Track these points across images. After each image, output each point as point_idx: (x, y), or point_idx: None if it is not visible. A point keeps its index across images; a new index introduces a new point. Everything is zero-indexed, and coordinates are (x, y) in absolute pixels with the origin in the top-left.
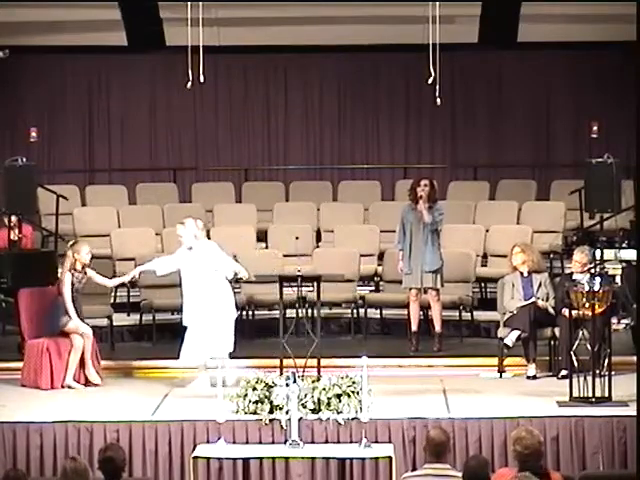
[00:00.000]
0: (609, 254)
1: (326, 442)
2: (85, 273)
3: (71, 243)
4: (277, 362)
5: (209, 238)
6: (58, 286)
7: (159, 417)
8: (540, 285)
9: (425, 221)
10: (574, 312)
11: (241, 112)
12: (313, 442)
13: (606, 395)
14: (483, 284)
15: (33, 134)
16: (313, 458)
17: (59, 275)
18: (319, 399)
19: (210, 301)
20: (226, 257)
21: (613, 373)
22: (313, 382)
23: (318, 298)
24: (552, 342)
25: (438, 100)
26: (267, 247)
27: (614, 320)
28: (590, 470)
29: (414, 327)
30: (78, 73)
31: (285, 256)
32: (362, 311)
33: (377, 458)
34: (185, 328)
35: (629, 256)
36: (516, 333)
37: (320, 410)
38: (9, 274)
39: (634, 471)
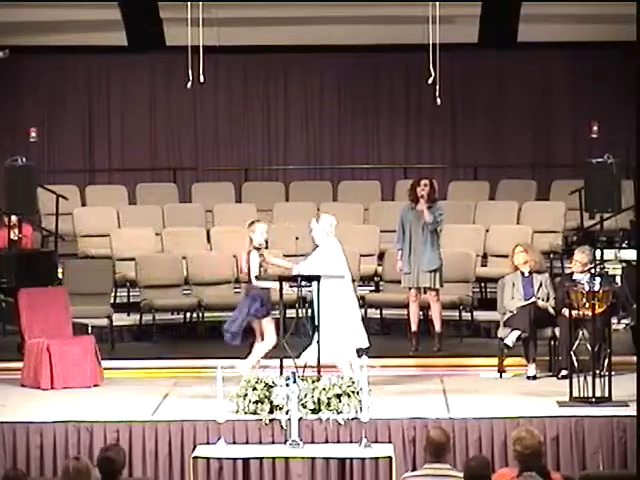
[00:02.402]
0: (609, 254)
1: (326, 442)
2: (262, 255)
3: (249, 222)
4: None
5: (209, 239)
6: (248, 269)
7: (159, 417)
8: (541, 285)
9: (426, 220)
10: (574, 312)
11: (241, 112)
12: (313, 442)
13: (606, 395)
14: (483, 284)
15: (33, 134)
16: (313, 458)
17: (248, 253)
18: (319, 399)
19: (339, 298)
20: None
21: (613, 373)
22: (313, 382)
23: (318, 298)
24: (552, 342)
25: (438, 100)
26: (267, 247)
27: (614, 320)
28: (590, 470)
29: (414, 327)
30: (78, 73)
31: (285, 256)
32: (362, 311)
33: (377, 458)
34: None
35: (629, 256)
36: (516, 333)
37: (320, 410)
38: (9, 274)
39: (634, 471)
